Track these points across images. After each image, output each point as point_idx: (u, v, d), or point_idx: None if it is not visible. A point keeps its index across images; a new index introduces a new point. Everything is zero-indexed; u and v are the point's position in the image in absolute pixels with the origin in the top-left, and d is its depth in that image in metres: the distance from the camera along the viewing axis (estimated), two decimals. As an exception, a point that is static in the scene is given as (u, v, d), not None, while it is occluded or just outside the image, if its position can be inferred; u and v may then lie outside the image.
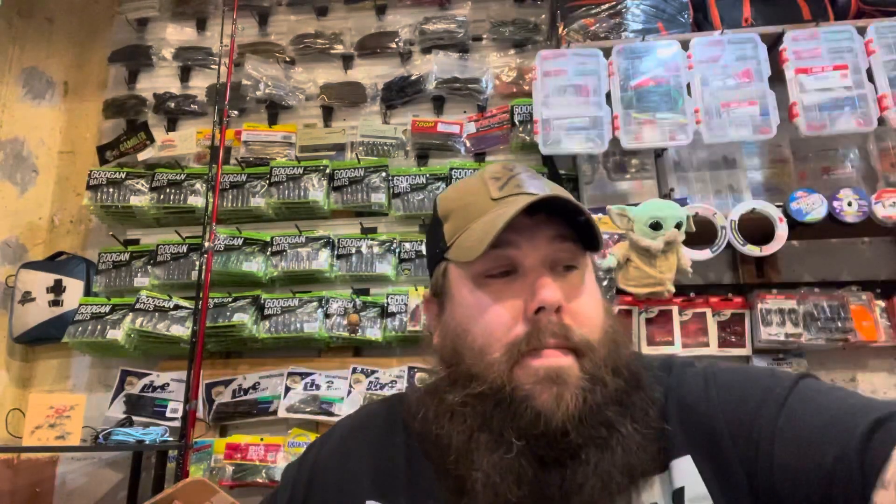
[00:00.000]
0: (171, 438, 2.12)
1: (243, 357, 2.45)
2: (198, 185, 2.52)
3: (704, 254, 2.01)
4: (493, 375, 0.62)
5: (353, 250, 2.44)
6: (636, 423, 0.62)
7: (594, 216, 0.75)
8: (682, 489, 0.61)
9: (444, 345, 0.69)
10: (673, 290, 1.95)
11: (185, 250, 2.47)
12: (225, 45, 2.52)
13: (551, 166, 2.39)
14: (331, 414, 2.25)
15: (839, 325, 2.05)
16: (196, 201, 2.50)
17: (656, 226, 1.87)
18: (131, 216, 2.57)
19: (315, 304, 2.35)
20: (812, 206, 2.00)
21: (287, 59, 2.79)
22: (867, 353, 2.19)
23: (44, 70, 2.85)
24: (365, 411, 0.83)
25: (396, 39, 2.74)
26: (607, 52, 2.19)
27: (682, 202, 2.05)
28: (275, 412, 2.30)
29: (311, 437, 2.23)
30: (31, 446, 2.03)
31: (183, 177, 2.55)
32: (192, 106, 2.75)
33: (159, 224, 2.61)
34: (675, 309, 2.14)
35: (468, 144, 2.57)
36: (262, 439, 2.25)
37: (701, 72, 2.12)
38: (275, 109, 2.74)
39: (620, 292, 2.03)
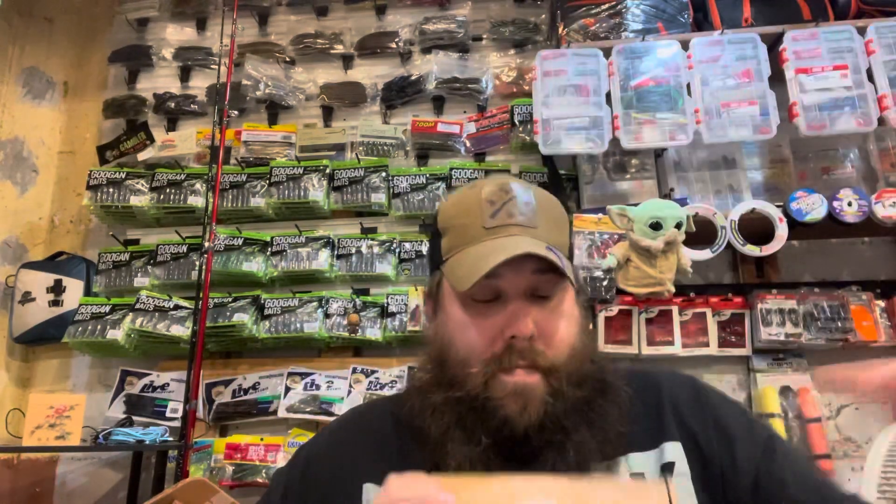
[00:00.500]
0: (171, 438, 2.12)
1: (243, 357, 2.45)
2: (198, 185, 2.52)
3: (704, 254, 2.01)
4: (471, 384, 0.74)
5: (353, 250, 2.44)
6: (593, 428, 0.73)
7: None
8: (672, 463, 0.76)
9: (434, 347, 0.80)
10: (673, 289, 1.95)
11: (185, 250, 2.47)
12: (225, 45, 2.52)
13: (551, 166, 2.39)
14: (331, 414, 2.25)
15: (839, 325, 2.05)
16: (196, 201, 2.50)
17: (656, 226, 1.87)
18: (131, 216, 2.57)
19: (315, 304, 2.35)
20: (812, 206, 2.00)
21: (287, 59, 2.79)
22: (867, 353, 2.18)
23: (44, 70, 2.85)
24: (352, 411, 0.93)
25: (396, 39, 2.74)
26: (607, 52, 2.19)
27: (682, 202, 2.05)
28: (275, 412, 2.30)
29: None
30: (31, 446, 2.03)
31: (183, 177, 2.55)
32: (192, 106, 2.75)
33: (159, 224, 2.61)
34: (675, 309, 2.14)
35: (468, 144, 2.58)
36: (262, 439, 2.25)
37: (701, 72, 2.12)
38: (275, 109, 2.74)
39: (620, 292, 2.03)
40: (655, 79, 2.13)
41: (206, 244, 2.21)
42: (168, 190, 2.53)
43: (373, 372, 2.30)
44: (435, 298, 0.82)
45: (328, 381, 2.31)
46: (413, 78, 2.67)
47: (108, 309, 2.36)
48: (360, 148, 2.59)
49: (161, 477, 2.17)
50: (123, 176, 2.55)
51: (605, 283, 2.01)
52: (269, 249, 2.44)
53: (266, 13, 2.89)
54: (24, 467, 2.40)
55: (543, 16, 2.71)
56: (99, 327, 2.32)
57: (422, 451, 0.76)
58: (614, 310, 2.10)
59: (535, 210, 0.77)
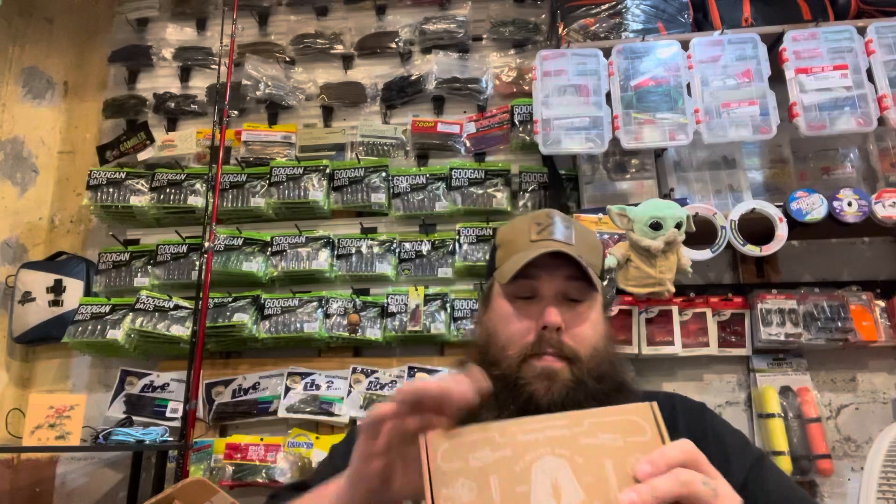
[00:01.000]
0: (171, 438, 2.12)
1: (243, 357, 2.45)
2: (198, 185, 2.52)
3: (704, 254, 2.00)
4: (507, 365, 0.88)
5: (353, 250, 2.44)
6: None
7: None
8: None
9: (481, 334, 0.97)
10: (673, 289, 1.95)
11: (185, 250, 2.47)
12: (225, 45, 2.52)
13: (551, 166, 2.39)
14: (331, 414, 2.25)
15: (839, 325, 2.05)
16: (196, 201, 2.50)
17: (656, 226, 1.87)
18: (131, 216, 2.58)
19: (315, 304, 2.35)
20: (812, 206, 2.00)
21: (287, 59, 2.79)
22: (867, 353, 2.19)
23: (44, 70, 2.85)
24: None
25: (396, 39, 2.75)
26: (607, 52, 2.19)
27: (682, 202, 2.05)
28: (275, 412, 2.30)
29: (311, 437, 2.23)
30: (31, 446, 2.03)
31: (183, 177, 2.55)
32: (192, 106, 2.75)
33: (159, 224, 2.61)
34: (675, 309, 2.14)
35: (468, 144, 2.58)
36: (262, 439, 2.25)
37: (701, 72, 2.12)
38: (275, 109, 2.74)
39: (620, 292, 2.03)
40: (655, 79, 2.13)
41: (206, 244, 2.21)
42: (168, 190, 2.53)
43: (373, 372, 2.30)
44: (487, 298, 0.99)
45: (328, 381, 2.31)
46: (413, 78, 2.67)
47: (108, 309, 2.36)
48: (360, 148, 2.60)
49: (161, 477, 2.17)
50: (123, 176, 2.55)
51: (605, 283, 2.01)
52: (269, 249, 2.44)
53: (266, 13, 2.89)
54: (24, 467, 2.40)
55: (543, 16, 2.71)
56: (99, 327, 2.32)
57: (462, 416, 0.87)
58: (614, 310, 2.09)
59: (573, 234, 0.94)
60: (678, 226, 1.88)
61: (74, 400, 2.08)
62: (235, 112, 2.70)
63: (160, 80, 2.84)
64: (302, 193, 2.45)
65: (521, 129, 2.49)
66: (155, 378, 2.39)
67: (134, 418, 2.30)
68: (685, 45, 2.16)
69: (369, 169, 2.51)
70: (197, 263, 2.32)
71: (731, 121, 2.04)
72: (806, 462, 1.99)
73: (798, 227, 2.02)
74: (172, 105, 2.75)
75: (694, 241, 1.99)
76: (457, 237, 2.41)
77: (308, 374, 2.32)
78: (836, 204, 1.99)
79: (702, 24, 2.33)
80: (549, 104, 2.15)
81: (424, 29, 2.73)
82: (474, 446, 0.58)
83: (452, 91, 2.63)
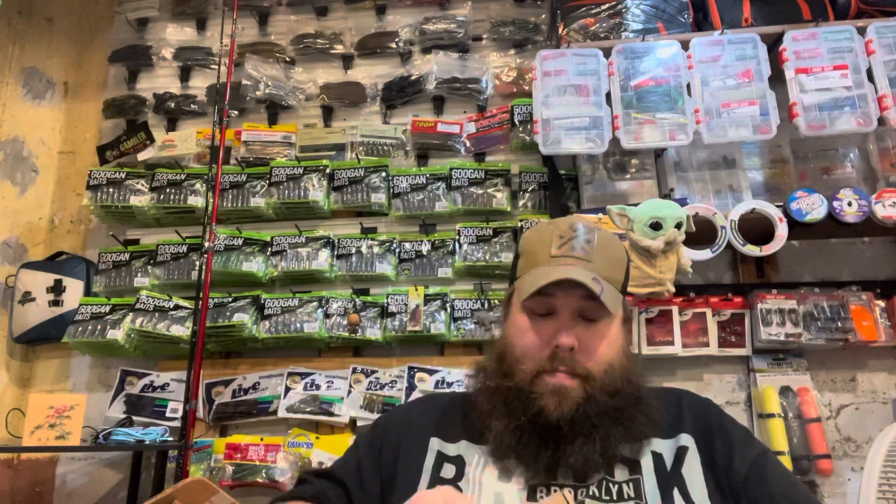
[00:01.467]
0: (171, 438, 2.12)
1: (243, 357, 2.45)
2: (198, 185, 2.52)
3: (704, 254, 2.01)
4: (520, 378, 0.92)
5: (353, 250, 2.44)
6: (621, 427, 0.90)
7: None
8: (686, 447, 0.94)
9: (499, 343, 1.01)
10: (673, 289, 1.95)
11: (185, 250, 2.47)
12: (225, 45, 2.52)
13: (551, 166, 2.39)
14: (331, 414, 2.25)
15: (839, 325, 2.05)
16: (196, 201, 2.50)
17: (656, 226, 1.87)
18: (131, 216, 2.58)
19: (315, 304, 2.35)
20: (812, 206, 2.00)
21: (287, 59, 2.79)
22: (867, 353, 2.19)
23: (44, 70, 2.85)
24: (429, 393, 1.27)
25: (396, 39, 2.74)
26: (607, 52, 2.19)
27: (682, 202, 2.05)
28: (275, 412, 2.30)
29: (311, 437, 2.23)
30: (31, 446, 2.03)
31: (183, 177, 2.55)
32: (192, 106, 2.75)
33: (159, 224, 2.61)
34: (675, 309, 2.14)
35: (468, 144, 2.58)
36: (262, 439, 2.25)
37: (701, 72, 2.12)
38: (275, 109, 2.74)
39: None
40: (655, 79, 2.13)
41: (206, 244, 2.21)
42: (168, 190, 2.53)
43: (373, 372, 2.30)
44: (507, 305, 1.03)
45: (328, 381, 2.31)
46: (413, 78, 2.67)
47: (108, 309, 2.36)
48: (360, 148, 2.60)
49: (161, 477, 2.17)
50: (123, 176, 2.55)
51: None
52: (269, 249, 2.44)
53: (266, 13, 2.89)
54: (24, 467, 2.40)
55: (543, 16, 2.71)
56: (99, 327, 2.32)
57: (476, 420, 0.96)
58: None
59: (595, 248, 0.95)
60: (678, 226, 1.88)
61: (74, 400, 2.08)
62: (235, 112, 2.70)
63: (160, 80, 2.83)
64: (302, 193, 2.45)
65: (521, 129, 2.48)
66: (155, 378, 2.39)
67: (134, 418, 2.30)
68: (685, 45, 2.16)
69: (369, 169, 2.51)
70: (197, 263, 2.32)
71: (731, 121, 2.04)
72: (806, 462, 1.99)
73: (798, 227, 2.02)
74: (172, 105, 2.75)
75: (694, 241, 1.99)
76: (457, 237, 2.41)
77: (308, 374, 2.32)
78: (836, 204, 1.99)
79: (702, 24, 2.33)
80: (549, 104, 2.15)
81: (424, 29, 2.73)
82: None
83: (452, 91, 2.63)
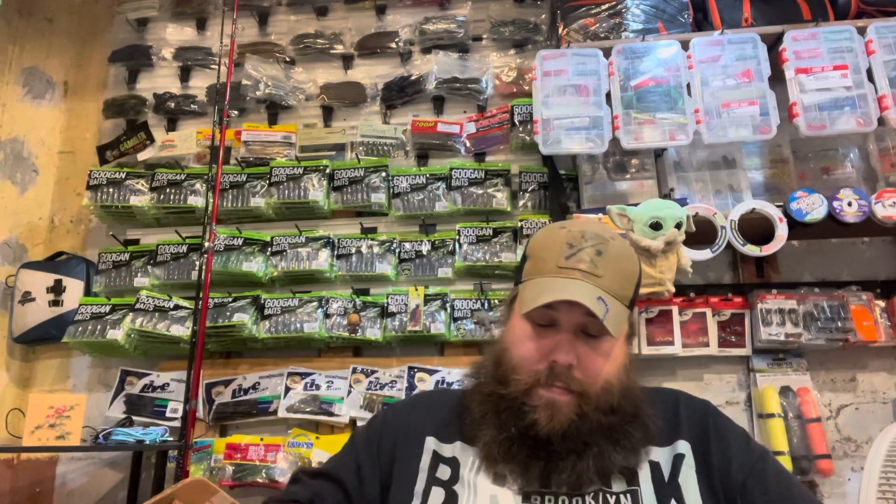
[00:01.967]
0: (171, 438, 2.12)
1: (243, 357, 2.45)
2: (198, 185, 2.52)
3: (704, 254, 2.00)
4: (515, 387, 0.90)
5: (353, 250, 2.44)
6: (616, 445, 0.89)
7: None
8: (682, 455, 0.93)
9: (497, 347, 0.98)
10: (673, 289, 1.95)
11: (185, 250, 2.47)
12: (225, 45, 2.52)
13: (551, 166, 2.39)
14: (331, 414, 2.25)
15: (839, 325, 2.05)
16: (196, 201, 2.50)
17: (656, 226, 1.87)
18: (131, 216, 2.58)
19: (315, 304, 2.35)
20: (812, 206, 2.00)
21: (287, 59, 2.79)
22: (867, 353, 2.19)
23: (44, 70, 2.85)
24: (428, 390, 1.30)
25: (396, 39, 2.74)
26: (607, 52, 2.19)
27: (682, 202, 2.05)
28: (275, 412, 2.30)
29: (311, 437, 2.23)
30: (31, 446, 2.03)
31: (183, 177, 2.55)
32: (192, 106, 2.75)
33: (159, 224, 2.61)
34: (675, 309, 2.14)
35: (468, 144, 2.58)
36: (262, 439, 2.25)
37: (701, 72, 2.12)
38: (275, 109, 2.74)
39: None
40: (655, 79, 2.13)
41: (206, 244, 2.21)
42: (168, 190, 2.53)
43: (373, 372, 2.30)
44: (510, 307, 1.00)
45: (328, 381, 2.31)
46: (413, 78, 2.67)
47: (108, 309, 2.36)
48: (360, 148, 2.60)
49: (161, 477, 2.17)
50: (123, 176, 2.55)
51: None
52: (269, 249, 2.44)
53: (266, 13, 2.89)
54: (24, 467, 2.40)
55: (543, 16, 2.71)
56: (99, 327, 2.32)
57: (469, 424, 0.95)
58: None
59: (605, 261, 0.91)
60: (678, 226, 1.88)
61: (74, 400, 2.08)
62: (235, 112, 2.70)
63: (160, 80, 2.83)
64: (302, 193, 2.45)
65: (521, 129, 2.48)
66: (155, 378, 2.39)
67: (134, 418, 2.30)
68: (685, 45, 2.16)
69: (369, 169, 2.51)
70: (197, 263, 2.32)
71: (731, 121, 2.04)
72: (806, 462, 1.99)
73: (798, 227, 2.02)
74: (172, 105, 2.75)
75: (694, 241, 1.99)
76: (457, 237, 2.40)
77: (308, 374, 2.32)
78: (836, 204, 1.99)
79: (702, 24, 2.33)
80: (549, 104, 2.15)
81: (424, 29, 2.73)
82: None
83: (452, 91, 2.63)
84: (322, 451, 2.20)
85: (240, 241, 2.44)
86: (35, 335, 2.42)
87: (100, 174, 2.55)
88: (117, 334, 2.30)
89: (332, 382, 2.30)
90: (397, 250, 2.44)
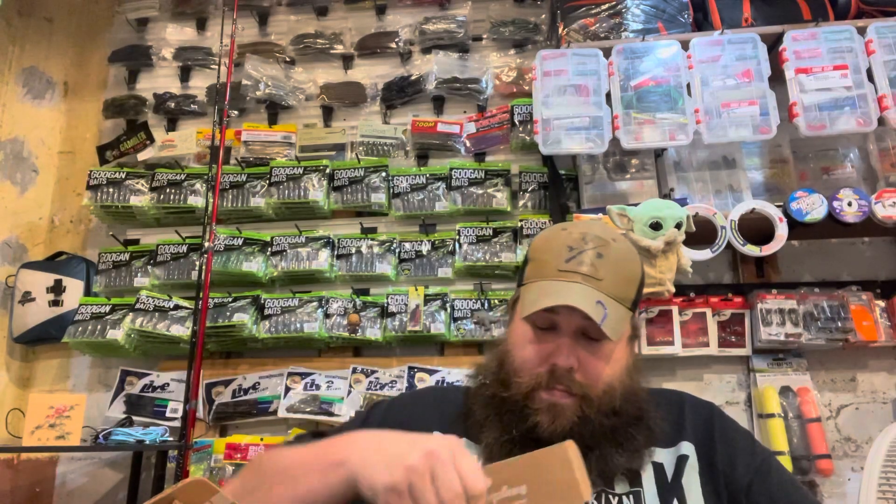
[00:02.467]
0: (171, 438, 2.12)
1: (243, 357, 2.45)
2: (198, 185, 2.52)
3: (704, 254, 2.01)
4: (516, 390, 0.91)
5: (353, 250, 2.44)
6: (619, 447, 0.89)
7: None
8: (686, 456, 0.93)
9: (500, 349, 0.99)
10: (673, 289, 1.95)
11: (185, 250, 2.47)
12: (225, 45, 2.52)
13: (551, 166, 2.39)
14: (331, 414, 2.25)
15: (839, 325, 2.05)
16: (196, 201, 2.50)
17: (656, 226, 1.87)
18: (131, 216, 2.58)
19: (315, 304, 2.35)
20: (812, 206, 2.00)
21: (287, 59, 2.79)
22: (867, 353, 2.19)
23: (44, 70, 2.85)
24: (434, 386, 1.28)
25: (396, 39, 2.74)
26: (607, 52, 2.19)
27: (682, 202, 2.05)
28: (275, 412, 2.30)
29: (311, 437, 2.23)
30: (31, 446, 2.03)
31: (183, 177, 2.55)
32: (192, 106, 2.75)
33: (159, 224, 2.61)
34: (675, 309, 2.14)
35: (468, 144, 2.58)
36: (262, 439, 2.25)
37: (701, 72, 2.12)
38: (275, 109, 2.74)
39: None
40: (655, 79, 2.13)
41: (206, 244, 2.21)
42: (168, 190, 2.53)
43: (373, 372, 2.30)
44: (512, 309, 1.01)
45: (328, 381, 2.31)
46: (413, 78, 2.67)
47: (108, 309, 2.36)
48: (360, 148, 2.60)
49: (161, 477, 2.17)
50: (123, 176, 2.55)
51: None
52: (269, 249, 2.44)
53: (266, 13, 2.89)
54: (24, 467, 2.40)
55: (543, 16, 2.71)
56: (99, 327, 2.32)
57: (471, 425, 0.95)
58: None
59: (606, 264, 0.91)
60: (678, 226, 1.88)
61: (74, 400, 2.08)
62: (235, 112, 2.70)
63: (160, 80, 2.83)
64: (302, 193, 2.45)
65: (521, 129, 2.48)
66: (155, 378, 2.39)
67: (134, 418, 2.30)
68: (685, 45, 2.16)
69: (369, 169, 2.51)
70: (197, 263, 2.32)
71: (731, 121, 2.04)
72: (806, 462, 1.99)
73: (798, 227, 2.02)
74: (172, 105, 2.75)
75: (694, 241, 1.99)
76: (457, 237, 2.40)
77: (308, 374, 2.32)
78: (836, 204, 1.99)
79: (702, 24, 2.33)
80: (549, 104, 2.15)
81: (424, 29, 2.73)
82: None
83: (452, 91, 2.63)
84: (322, 451, 2.19)
85: (240, 241, 2.44)
86: (35, 335, 2.42)
87: (100, 174, 2.55)
88: (117, 334, 2.30)
89: (332, 382, 2.30)
90: (397, 250, 2.44)
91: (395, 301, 2.34)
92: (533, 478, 0.65)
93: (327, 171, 2.51)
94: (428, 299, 2.33)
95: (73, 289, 2.45)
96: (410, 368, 2.28)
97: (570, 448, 0.68)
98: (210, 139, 2.44)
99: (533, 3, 2.78)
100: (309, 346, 2.40)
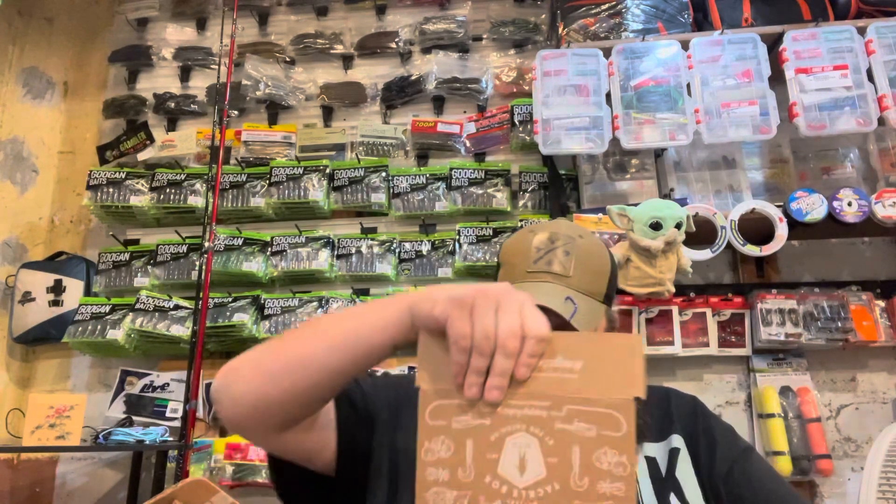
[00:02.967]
0: (171, 438, 2.12)
1: (243, 357, 2.44)
2: (198, 185, 2.52)
3: (704, 254, 2.01)
4: None
5: (353, 250, 2.44)
6: None
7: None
8: (678, 448, 0.94)
9: None
10: (673, 290, 1.95)
11: (185, 250, 2.47)
12: (225, 45, 2.52)
13: (551, 166, 2.39)
14: (331, 414, 2.25)
15: (839, 325, 2.05)
16: (196, 201, 2.50)
17: (656, 226, 1.87)
18: (131, 216, 2.58)
19: (315, 304, 2.35)
20: (812, 206, 2.00)
21: (287, 59, 2.79)
22: (867, 353, 2.19)
23: (44, 70, 2.85)
24: None
25: (396, 39, 2.74)
26: (607, 52, 2.19)
27: (682, 202, 2.05)
28: (275, 412, 2.29)
29: (311, 437, 2.23)
30: (31, 446, 2.03)
31: (183, 177, 2.55)
32: (192, 106, 2.75)
33: (159, 224, 2.61)
34: (675, 309, 2.14)
35: (468, 144, 2.58)
36: (262, 439, 2.24)
37: (701, 72, 2.12)
38: (275, 109, 2.74)
39: (620, 292, 2.03)
40: (655, 79, 2.13)
41: (206, 244, 2.21)
42: (168, 190, 2.53)
43: (373, 372, 2.30)
44: None
45: (328, 381, 2.30)
46: (413, 78, 2.67)
47: (108, 309, 2.36)
48: (360, 148, 2.60)
49: (161, 477, 2.17)
50: (123, 176, 2.55)
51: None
52: (269, 249, 2.44)
53: (266, 13, 2.89)
54: (24, 467, 2.40)
55: (543, 16, 2.71)
56: (99, 327, 2.32)
57: None
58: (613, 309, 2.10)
59: (574, 261, 0.92)
60: (678, 226, 1.88)
61: (74, 400, 2.09)
62: (235, 112, 2.70)
63: (160, 80, 2.83)
64: (302, 193, 2.45)
65: (521, 129, 2.48)
66: (155, 378, 2.39)
67: (134, 418, 2.30)
68: (685, 45, 2.16)
69: (369, 169, 2.51)
70: (197, 263, 2.32)
71: (731, 121, 2.04)
72: (806, 462, 1.99)
73: (798, 227, 2.02)
74: (172, 105, 2.75)
75: (694, 241, 1.99)
76: (457, 237, 2.40)
77: (308, 374, 2.32)
78: (836, 204, 1.99)
79: (702, 24, 2.33)
80: (549, 104, 2.15)
81: (424, 29, 2.73)
82: (459, 410, 0.63)
83: (452, 91, 2.63)
84: (322, 451, 2.19)
85: (240, 241, 2.44)
86: (35, 335, 2.42)
87: (100, 174, 2.55)
88: (117, 334, 2.30)
89: (332, 382, 2.30)
90: (397, 250, 2.44)
91: (395, 301, 2.33)
92: (592, 356, 0.62)
93: (327, 171, 2.51)
94: (428, 299, 2.32)
95: (73, 289, 2.45)
96: (410, 368, 2.28)
97: (640, 341, 0.66)
98: (210, 139, 2.44)
99: (533, 3, 2.78)
100: (309, 346, 2.40)
